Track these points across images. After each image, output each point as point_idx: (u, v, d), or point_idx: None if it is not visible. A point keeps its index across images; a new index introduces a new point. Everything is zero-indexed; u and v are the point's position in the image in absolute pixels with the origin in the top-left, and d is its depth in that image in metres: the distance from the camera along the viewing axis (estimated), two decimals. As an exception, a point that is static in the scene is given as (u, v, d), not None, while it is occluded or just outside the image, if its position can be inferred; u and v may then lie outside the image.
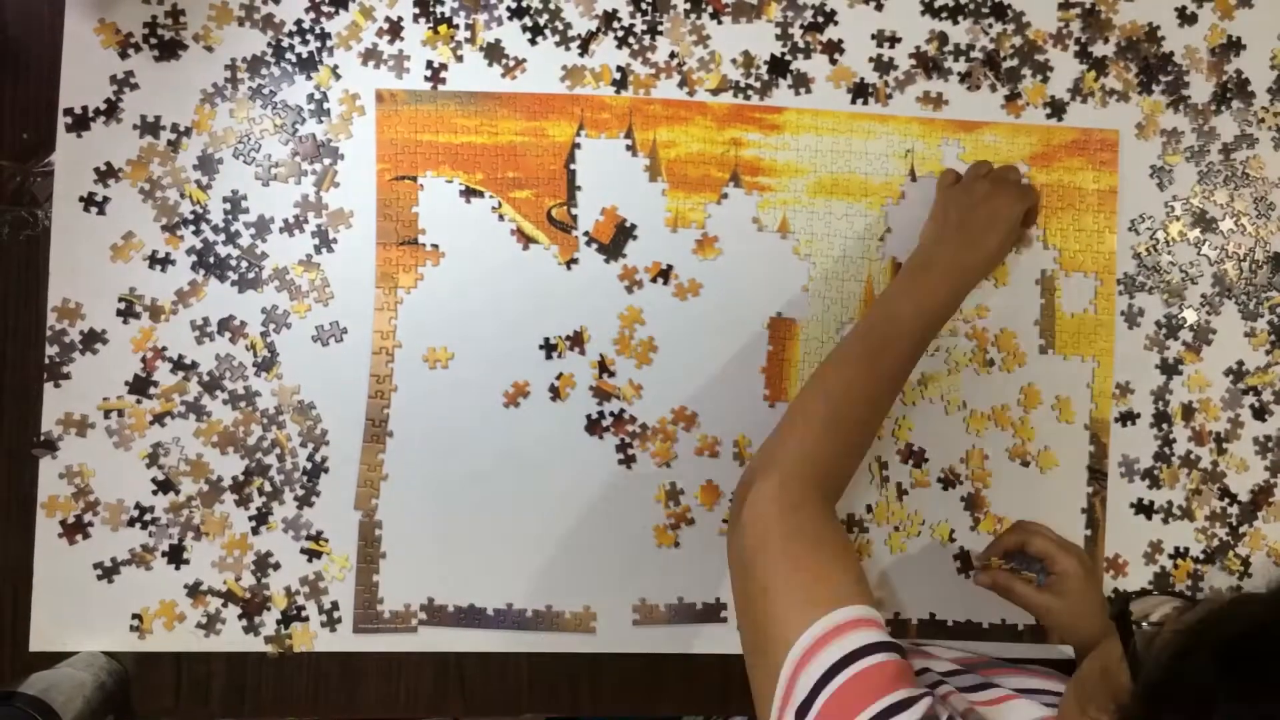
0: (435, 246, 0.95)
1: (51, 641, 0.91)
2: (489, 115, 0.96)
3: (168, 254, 0.93)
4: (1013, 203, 0.91)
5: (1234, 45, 1.02)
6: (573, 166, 0.96)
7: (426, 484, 0.94)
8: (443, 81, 0.95)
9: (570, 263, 0.96)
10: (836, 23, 0.99)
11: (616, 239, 0.96)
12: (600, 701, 0.95)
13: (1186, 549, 1.01)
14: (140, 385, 0.92)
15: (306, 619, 0.93)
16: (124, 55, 0.93)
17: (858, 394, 0.80)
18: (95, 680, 0.86)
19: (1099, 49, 1.01)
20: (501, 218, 0.95)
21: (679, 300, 0.97)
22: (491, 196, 0.95)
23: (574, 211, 0.96)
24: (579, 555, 0.95)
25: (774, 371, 0.98)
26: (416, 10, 0.95)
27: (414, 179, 0.95)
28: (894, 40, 1.00)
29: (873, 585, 0.98)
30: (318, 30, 0.94)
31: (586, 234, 0.96)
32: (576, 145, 0.96)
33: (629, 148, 0.97)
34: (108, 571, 0.91)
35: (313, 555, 0.93)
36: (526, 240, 0.96)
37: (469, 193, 0.95)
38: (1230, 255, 1.02)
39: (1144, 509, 1.00)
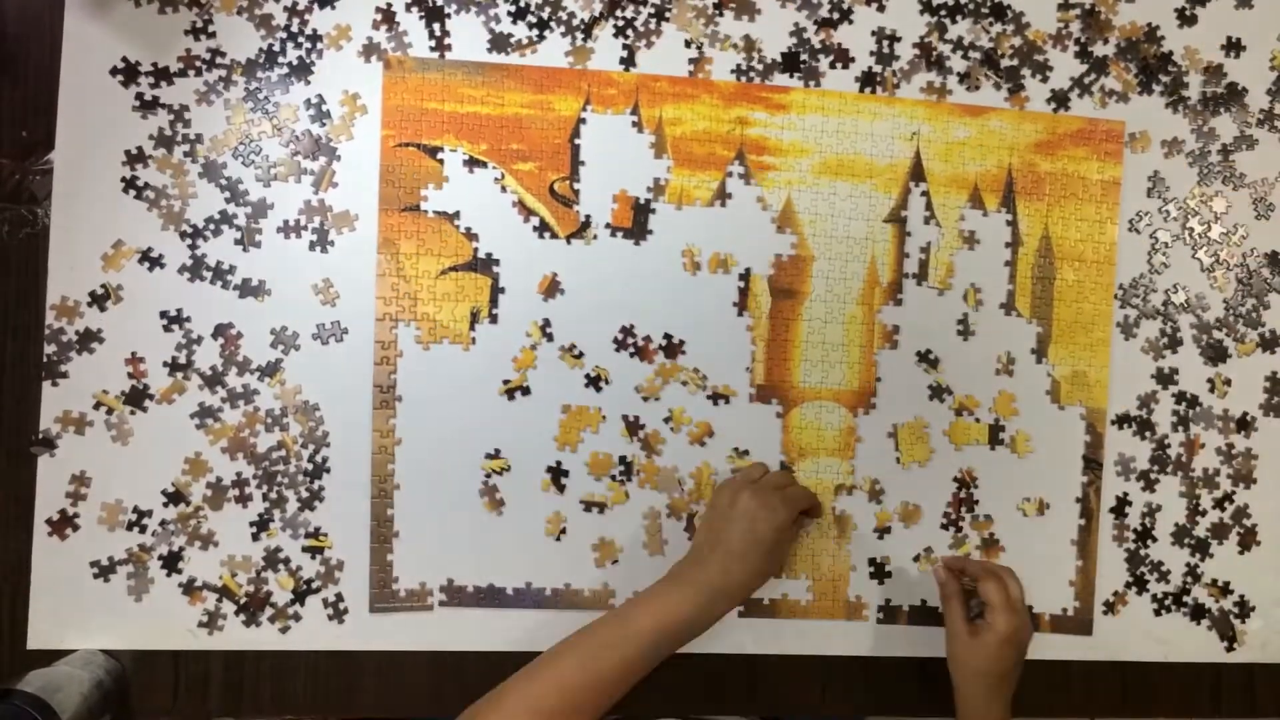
0: (439, 214, 0.95)
1: (50, 639, 0.90)
2: (495, 86, 0.95)
3: (166, 253, 0.92)
4: (773, 518, 0.86)
5: (1234, 46, 1.02)
6: (577, 141, 0.96)
7: (437, 451, 0.94)
8: (449, 49, 0.95)
9: (571, 237, 0.96)
10: (852, 21, 0.99)
11: (637, 219, 0.96)
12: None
13: (1184, 536, 1.01)
14: (137, 387, 0.92)
15: (301, 618, 0.93)
16: (124, 57, 0.92)
17: (566, 690, 0.79)
18: (93, 678, 0.86)
19: (1099, 49, 1.02)
20: (504, 189, 0.95)
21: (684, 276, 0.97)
22: (495, 167, 0.95)
23: (576, 186, 0.96)
24: (590, 534, 0.96)
25: (776, 353, 0.98)
26: (410, 1, 0.95)
27: (419, 146, 0.95)
28: (894, 39, 1.00)
29: (862, 566, 0.98)
30: (308, 31, 0.94)
31: (608, 225, 0.96)
32: (582, 120, 0.96)
33: (634, 124, 0.97)
34: (104, 570, 0.91)
35: (315, 552, 0.93)
36: (528, 212, 0.96)
37: (472, 162, 0.95)
38: (1229, 256, 1.02)
39: (1130, 516, 1.01)
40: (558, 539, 0.95)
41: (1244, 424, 1.02)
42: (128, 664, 0.91)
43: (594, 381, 0.96)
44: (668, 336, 0.96)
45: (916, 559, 0.99)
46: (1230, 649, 1.01)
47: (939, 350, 0.99)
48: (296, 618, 0.93)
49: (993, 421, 0.99)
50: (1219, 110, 1.03)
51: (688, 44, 0.97)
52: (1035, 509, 1.00)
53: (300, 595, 0.93)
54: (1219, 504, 1.02)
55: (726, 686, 0.96)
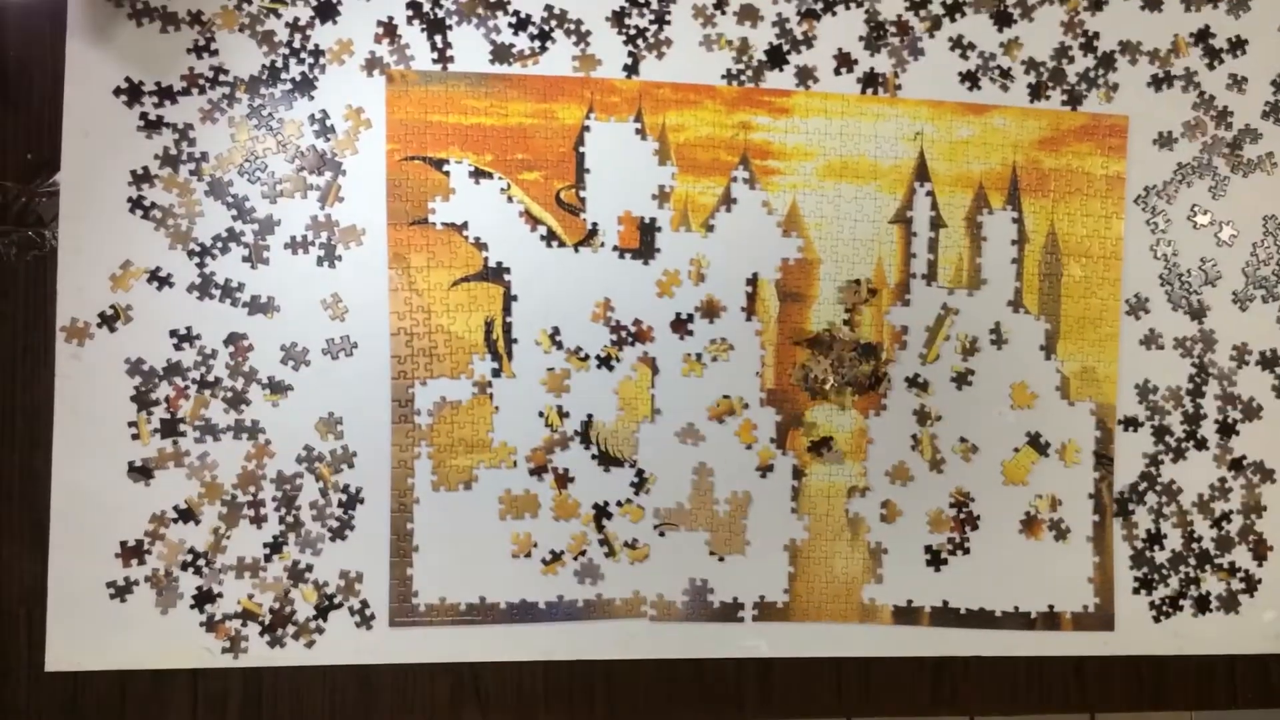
0: (447, 225, 0.95)
1: (68, 662, 0.90)
2: (499, 97, 0.95)
3: (174, 273, 0.92)
4: None
5: (1237, 44, 1.02)
6: (582, 149, 0.96)
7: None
8: (451, 60, 0.95)
9: (579, 245, 0.96)
10: (835, 13, 0.99)
11: (645, 239, 0.97)
12: (617, 711, 0.95)
13: (1192, 536, 1.01)
14: (148, 402, 0.92)
15: (324, 631, 0.93)
16: (127, 77, 0.92)
17: None
18: None
19: (1104, 46, 1.01)
20: (510, 199, 0.95)
21: (692, 284, 0.97)
22: (500, 178, 0.95)
23: (582, 194, 0.96)
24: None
25: (782, 355, 0.98)
26: (410, 13, 0.95)
27: (425, 159, 0.95)
28: (893, 40, 0.99)
29: (886, 570, 0.98)
30: (310, 47, 0.94)
31: (616, 248, 0.96)
32: (586, 128, 0.96)
33: (638, 131, 0.97)
34: (120, 590, 0.91)
35: (341, 572, 0.93)
36: (534, 222, 0.96)
37: (478, 174, 0.95)
38: (1237, 252, 1.03)
39: (1142, 512, 1.01)
40: (581, 554, 0.96)
41: (1254, 418, 1.02)
42: (146, 683, 0.91)
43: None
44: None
45: (931, 560, 0.99)
46: (1233, 610, 1.01)
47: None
48: (319, 630, 0.93)
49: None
50: (1225, 107, 1.02)
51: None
52: (1048, 505, 1.00)
53: (322, 611, 0.93)
54: (1230, 497, 1.02)
55: (744, 691, 0.97)
